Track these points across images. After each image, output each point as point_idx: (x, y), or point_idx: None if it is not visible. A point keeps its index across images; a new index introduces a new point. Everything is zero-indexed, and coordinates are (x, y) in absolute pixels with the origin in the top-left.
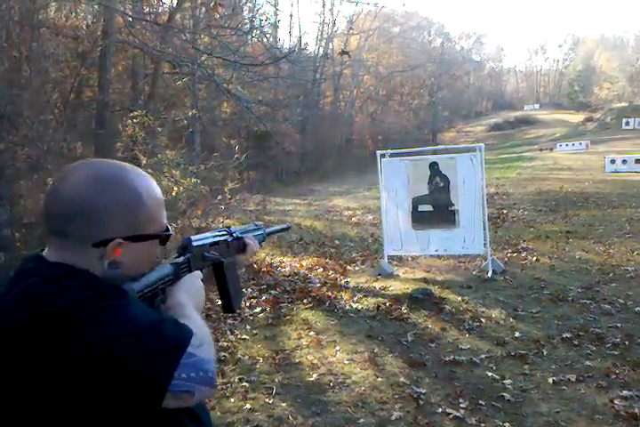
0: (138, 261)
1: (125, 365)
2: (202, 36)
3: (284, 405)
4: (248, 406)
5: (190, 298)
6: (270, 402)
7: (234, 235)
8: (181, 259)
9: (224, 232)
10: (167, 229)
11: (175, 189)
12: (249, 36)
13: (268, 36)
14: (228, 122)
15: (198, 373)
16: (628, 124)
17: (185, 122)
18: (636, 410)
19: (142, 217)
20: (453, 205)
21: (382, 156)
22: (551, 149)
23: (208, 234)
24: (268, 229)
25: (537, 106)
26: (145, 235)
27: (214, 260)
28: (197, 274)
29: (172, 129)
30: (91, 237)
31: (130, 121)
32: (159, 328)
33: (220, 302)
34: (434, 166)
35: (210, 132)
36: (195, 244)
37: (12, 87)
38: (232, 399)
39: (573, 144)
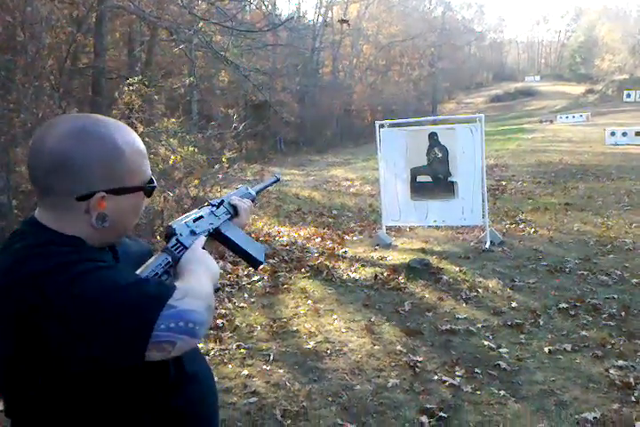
0: (123, 215)
1: (107, 319)
2: (199, 2)
3: (281, 371)
4: (246, 372)
5: (200, 264)
6: (268, 369)
7: (215, 204)
8: (171, 243)
9: (205, 205)
10: (151, 181)
11: (172, 157)
12: (246, 3)
13: (266, 3)
14: (226, 91)
15: (178, 323)
16: (629, 96)
17: (182, 90)
18: (631, 379)
19: (123, 169)
20: (452, 175)
21: (381, 126)
22: (551, 121)
23: (189, 213)
24: (255, 188)
25: (538, 77)
26: (128, 187)
27: (207, 231)
28: (196, 245)
29: (170, 97)
30: (74, 191)
31: (126, 88)
32: (140, 285)
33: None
34: (433, 137)
35: (207, 101)
36: (176, 226)
37: (6, 52)
38: (230, 366)
39: (574, 116)
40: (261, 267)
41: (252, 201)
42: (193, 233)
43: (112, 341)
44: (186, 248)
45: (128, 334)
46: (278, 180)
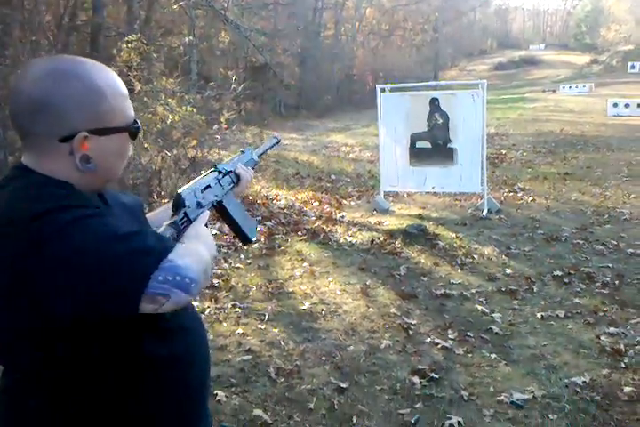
0: (108, 157)
1: (98, 270)
2: None
3: (275, 331)
4: (240, 330)
5: (200, 241)
6: (263, 328)
7: (223, 171)
8: (178, 216)
9: (212, 171)
10: (135, 122)
11: (170, 117)
12: None
13: None
14: (226, 52)
15: (175, 277)
16: (633, 67)
17: (182, 49)
18: (622, 346)
19: (104, 109)
20: (452, 142)
21: (382, 90)
22: (554, 91)
23: (196, 180)
24: (257, 151)
25: (542, 46)
26: (110, 128)
27: (211, 204)
28: (199, 221)
29: (169, 57)
30: (55, 132)
31: (125, 46)
32: (139, 235)
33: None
34: (434, 102)
35: (207, 62)
36: (185, 195)
37: (3, 7)
38: (225, 324)
39: (577, 86)
40: (258, 229)
41: (253, 167)
42: (199, 205)
43: (104, 292)
44: (191, 222)
45: (122, 284)
46: (279, 141)
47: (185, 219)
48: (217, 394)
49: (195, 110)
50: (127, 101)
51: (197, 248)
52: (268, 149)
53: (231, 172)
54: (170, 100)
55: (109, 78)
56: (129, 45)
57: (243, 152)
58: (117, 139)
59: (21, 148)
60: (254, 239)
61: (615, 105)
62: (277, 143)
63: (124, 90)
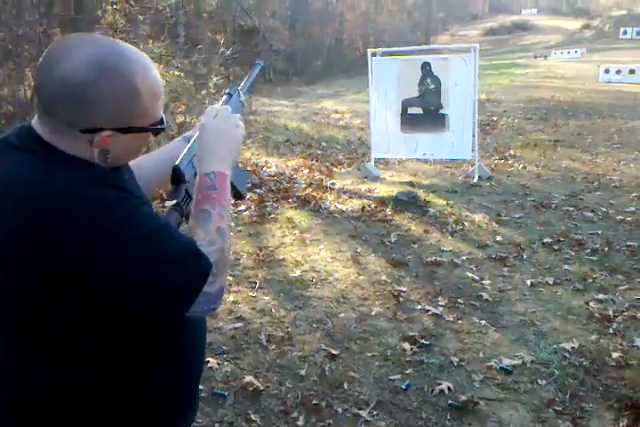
0: (126, 152)
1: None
2: None
3: (267, 298)
4: (231, 298)
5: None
6: (254, 295)
7: None
8: (179, 194)
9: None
10: (162, 121)
11: None
12: None
13: None
14: (214, 15)
15: (209, 306)
16: (625, 33)
17: (168, 10)
18: (610, 312)
19: (137, 111)
20: (443, 108)
21: (374, 54)
22: (545, 57)
23: (188, 145)
24: (244, 88)
25: (535, 11)
26: (137, 127)
27: None
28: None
29: (154, 20)
30: (79, 123)
31: (109, 7)
32: (191, 261)
33: None
34: (426, 67)
35: (194, 25)
36: (183, 167)
37: None
38: None
39: (568, 52)
40: (248, 197)
41: (241, 108)
42: (196, 174)
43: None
44: (190, 199)
45: (162, 310)
46: (263, 66)
47: (186, 197)
48: (209, 361)
49: (182, 75)
50: (160, 101)
51: (219, 227)
52: (254, 79)
53: None
54: (157, 64)
55: (150, 78)
56: (114, 6)
57: (229, 95)
58: (140, 136)
59: (37, 117)
60: (246, 197)
61: (607, 71)
62: (262, 69)
63: (161, 89)
